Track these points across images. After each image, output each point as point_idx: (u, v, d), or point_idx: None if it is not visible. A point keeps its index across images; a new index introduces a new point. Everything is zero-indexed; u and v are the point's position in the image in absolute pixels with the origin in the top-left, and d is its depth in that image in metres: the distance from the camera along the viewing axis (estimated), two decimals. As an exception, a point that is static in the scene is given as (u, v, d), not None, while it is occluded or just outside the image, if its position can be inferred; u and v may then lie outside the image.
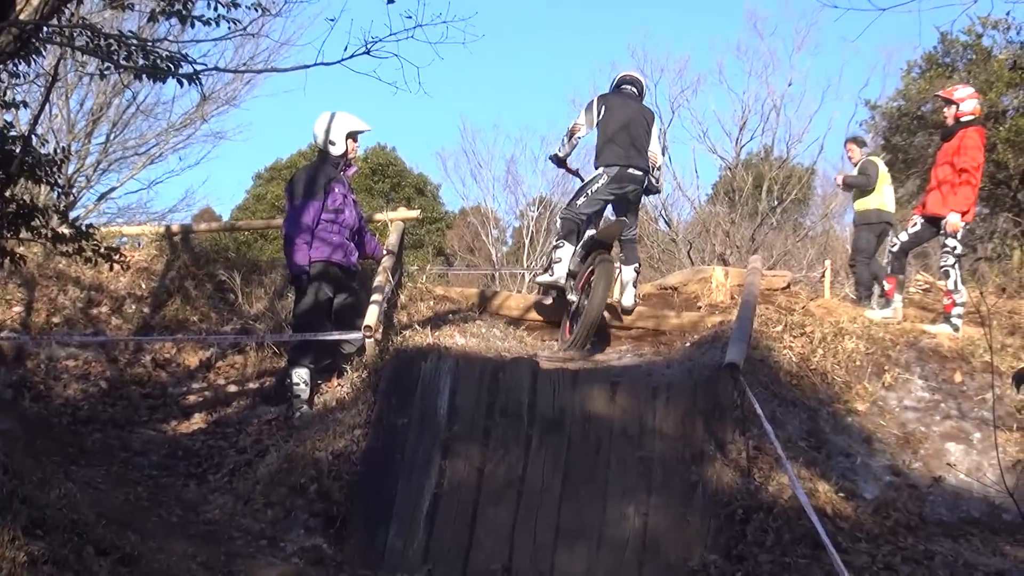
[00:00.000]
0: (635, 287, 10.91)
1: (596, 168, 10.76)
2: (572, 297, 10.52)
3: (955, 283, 10.14)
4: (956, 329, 9.94)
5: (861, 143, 14.58)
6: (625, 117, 10.74)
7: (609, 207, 10.96)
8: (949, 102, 10.51)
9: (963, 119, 10.36)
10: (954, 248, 10.19)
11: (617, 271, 10.88)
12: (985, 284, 12.89)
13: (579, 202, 10.76)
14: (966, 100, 10.39)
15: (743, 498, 6.92)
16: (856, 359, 9.13)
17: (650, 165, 10.79)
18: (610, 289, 10.44)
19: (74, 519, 5.61)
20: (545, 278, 10.81)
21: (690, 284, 12.93)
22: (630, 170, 10.57)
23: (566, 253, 10.62)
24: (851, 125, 32.47)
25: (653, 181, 10.94)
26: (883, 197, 13.50)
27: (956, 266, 10.19)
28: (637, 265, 11.00)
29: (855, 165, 14.05)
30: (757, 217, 31.81)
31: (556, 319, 10.87)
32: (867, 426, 8.39)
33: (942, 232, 10.33)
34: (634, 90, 11.20)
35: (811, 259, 29.51)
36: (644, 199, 11.60)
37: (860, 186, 13.69)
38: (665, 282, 13.76)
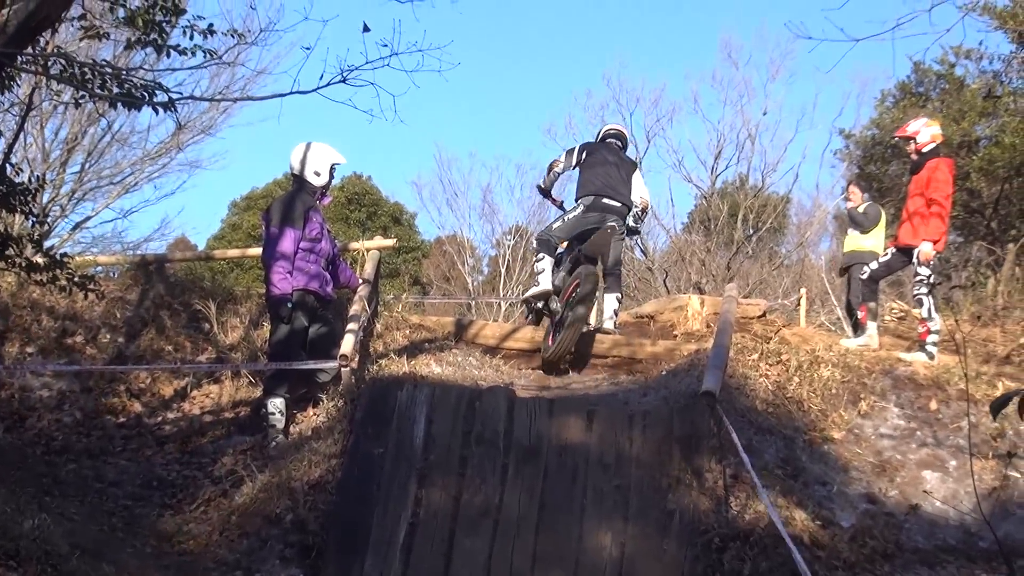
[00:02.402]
0: (616, 315, 11.34)
1: (575, 202, 11.18)
2: (556, 306, 10.72)
3: (929, 311, 10.19)
4: (931, 357, 9.98)
5: (864, 187, 14.74)
6: (605, 161, 11.28)
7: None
8: (907, 139, 10.63)
9: (925, 150, 10.47)
10: (927, 277, 10.25)
11: (598, 289, 11.04)
12: (959, 312, 12.92)
13: (555, 225, 11.19)
14: (920, 132, 10.50)
15: (720, 526, 6.91)
16: (832, 387, 9.14)
17: (636, 206, 11.43)
18: (593, 298, 10.70)
19: (48, 550, 5.57)
20: (532, 290, 11.05)
21: (666, 312, 12.94)
22: (604, 199, 10.95)
23: (547, 263, 10.94)
24: (825, 154, 32.61)
25: (632, 220, 11.54)
26: (878, 240, 13.67)
27: (929, 295, 10.25)
28: (619, 295, 11.48)
29: (855, 207, 14.17)
30: (733, 246, 31.91)
31: (533, 348, 10.88)
32: (843, 454, 8.39)
33: (914, 261, 10.38)
34: (618, 143, 11.77)
35: (787, 287, 29.62)
36: (627, 240, 11.72)
37: (859, 224, 13.86)
38: (641, 310, 13.76)
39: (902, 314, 13.40)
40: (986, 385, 9.29)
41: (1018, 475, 8.22)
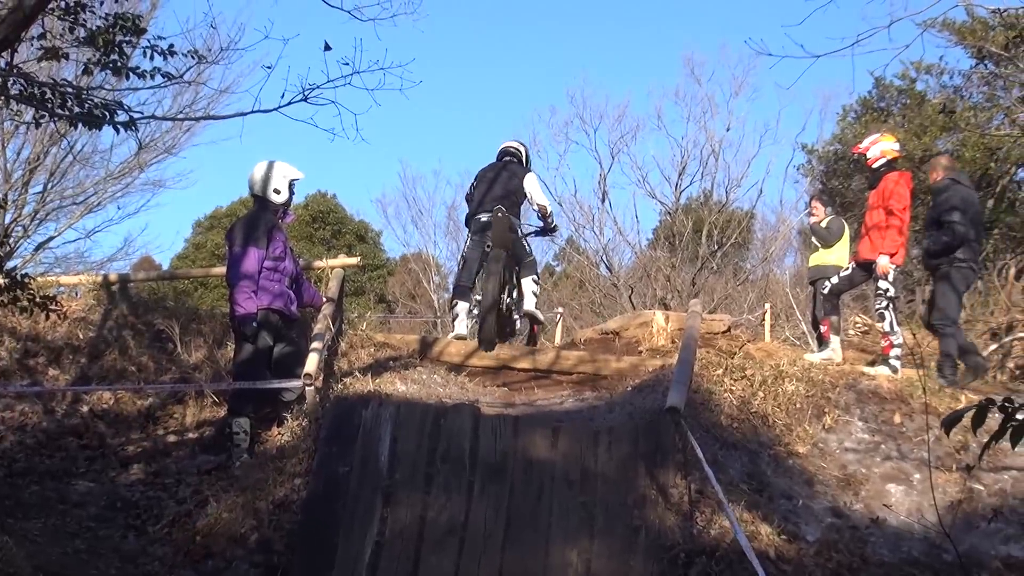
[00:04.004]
0: (535, 296, 12.03)
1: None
2: (476, 297, 11.62)
3: (891, 325, 10.26)
4: (895, 371, 10.04)
5: (827, 201, 14.84)
6: (483, 180, 12.17)
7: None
8: (860, 155, 10.76)
9: (875, 166, 10.57)
10: (887, 291, 10.31)
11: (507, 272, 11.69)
12: (923, 326, 13.02)
13: (458, 271, 12.22)
14: (870, 148, 10.62)
15: (685, 542, 6.91)
16: (796, 401, 9.18)
17: (540, 213, 12.33)
18: (498, 273, 11.25)
19: (10, 572, 5.54)
20: (450, 335, 11.74)
21: (631, 328, 12.95)
22: (480, 217, 11.78)
23: (460, 309, 11.77)
24: (789, 169, 32.74)
25: (540, 221, 12.50)
26: (842, 254, 13.75)
27: (890, 308, 10.31)
28: (535, 276, 12.10)
29: (818, 222, 14.26)
30: (697, 261, 32.02)
31: (498, 366, 10.88)
32: (808, 468, 8.42)
33: (874, 276, 10.45)
34: (512, 159, 12.52)
35: (751, 302, 29.68)
36: (529, 239, 12.41)
37: (823, 239, 13.93)
38: (606, 327, 13.77)
39: (865, 328, 13.51)
40: (949, 398, 9.36)
41: (981, 487, 8.28)
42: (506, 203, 11.64)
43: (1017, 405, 3.87)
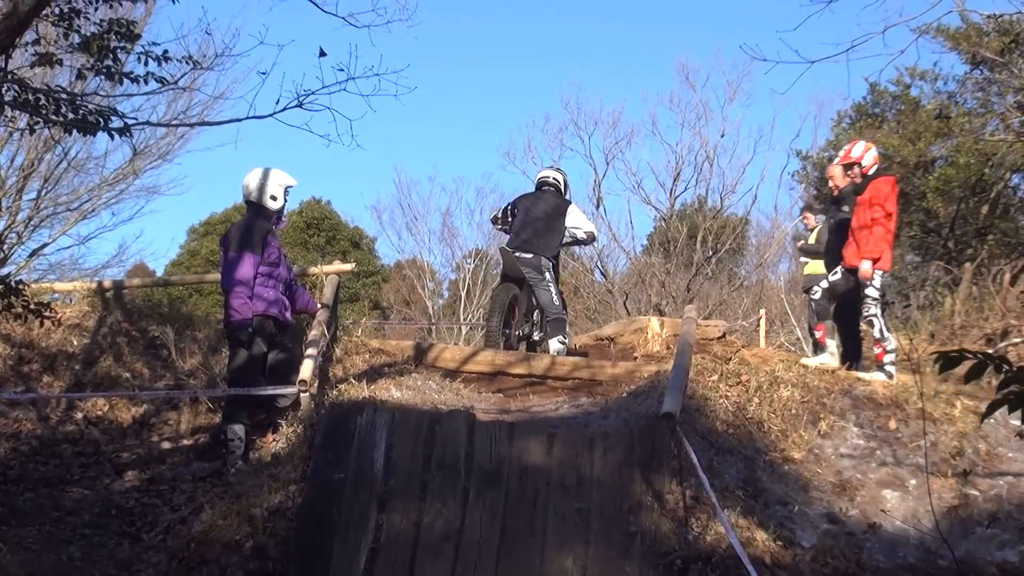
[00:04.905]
0: (560, 355, 11.83)
1: None
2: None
3: (881, 331, 10.23)
4: (890, 376, 10.02)
5: (816, 211, 14.85)
6: (525, 210, 12.40)
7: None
8: (850, 165, 10.66)
9: (871, 173, 10.53)
10: (875, 297, 10.29)
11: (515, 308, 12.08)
12: (918, 332, 13.01)
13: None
14: (865, 155, 10.55)
15: (681, 548, 6.89)
16: (792, 407, 9.17)
17: (575, 236, 12.51)
18: (502, 305, 11.74)
19: (4, 581, 5.52)
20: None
21: (626, 334, 12.98)
22: (516, 253, 12.11)
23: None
24: (783, 175, 32.71)
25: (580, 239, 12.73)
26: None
27: (879, 315, 10.28)
28: (561, 337, 12.05)
29: (811, 231, 14.30)
30: (692, 267, 32.02)
31: (493, 371, 10.88)
32: (804, 474, 8.41)
33: (861, 283, 10.43)
34: (550, 189, 12.62)
35: (746, 308, 29.69)
36: (544, 278, 12.31)
37: (812, 254, 13.96)
38: (601, 333, 13.81)
39: (861, 335, 13.48)
40: (944, 404, 9.34)
41: (977, 493, 8.28)
42: (530, 244, 12.08)
43: (1015, 369, 3.80)
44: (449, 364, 11.06)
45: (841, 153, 11.04)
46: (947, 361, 3.87)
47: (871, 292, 10.28)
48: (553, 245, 12.26)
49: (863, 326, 10.91)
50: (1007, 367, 3.78)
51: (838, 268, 10.81)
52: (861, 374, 10.13)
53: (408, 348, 11.44)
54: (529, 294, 12.13)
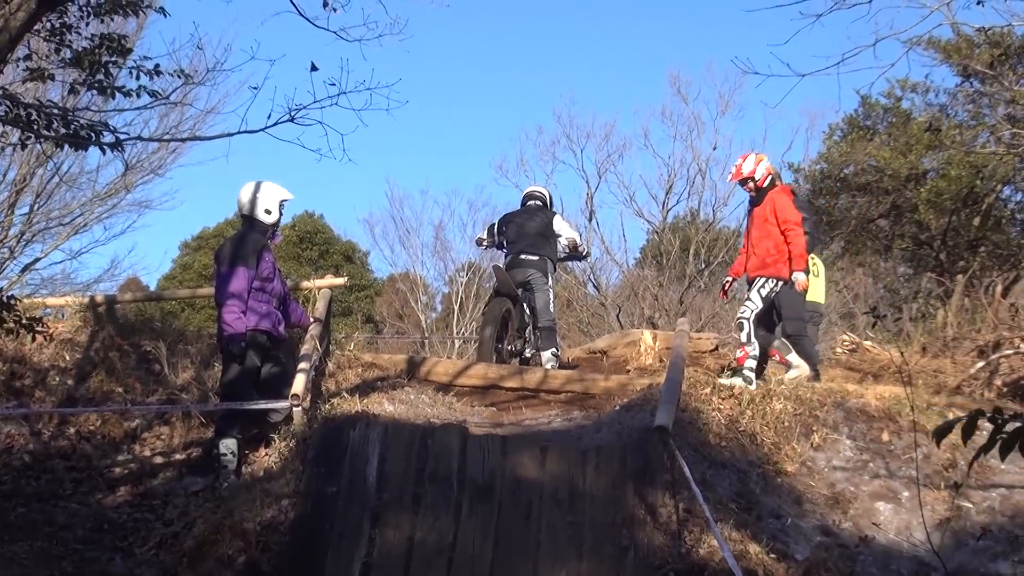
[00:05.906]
0: (552, 368, 11.98)
1: None
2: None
3: (748, 335, 10.22)
4: (750, 382, 9.93)
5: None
6: (518, 226, 12.72)
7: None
8: (744, 181, 10.60)
9: (765, 186, 10.50)
10: (755, 302, 10.29)
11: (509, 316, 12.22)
12: (910, 343, 13.02)
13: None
14: (757, 169, 10.50)
15: (674, 561, 6.90)
16: (784, 420, 9.16)
17: (571, 247, 12.88)
18: (495, 319, 11.86)
19: (-4, 596, 5.51)
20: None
21: (619, 347, 12.98)
22: (521, 256, 12.47)
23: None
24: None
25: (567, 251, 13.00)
26: (815, 288, 13.63)
27: (750, 319, 10.26)
28: (554, 350, 12.25)
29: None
30: (685, 280, 31.98)
31: (486, 385, 10.88)
32: (797, 487, 8.41)
33: (748, 286, 10.46)
34: (537, 203, 13.04)
35: (739, 322, 29.60)
36: (547, 281, 12.58)
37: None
38: (594, 346, 13.80)
39: (853, 346, 13.48)
40: (937, 416, 9.32)
41: (970, 505, 8.28)
42: (535, 246, 12.43)
43: (1007, 417, 3.88)
44: (442, 378, 11.06)
45: (732, 170, 10.93)
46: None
47: (754, 296, 10.30)
48: (553, 253, 12.64)
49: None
50: (997, 418, 3.90)
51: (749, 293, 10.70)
52: (722, 380, 10.02)
53: (401, 362, 11.43)
54: (521, 312, 12.23)
